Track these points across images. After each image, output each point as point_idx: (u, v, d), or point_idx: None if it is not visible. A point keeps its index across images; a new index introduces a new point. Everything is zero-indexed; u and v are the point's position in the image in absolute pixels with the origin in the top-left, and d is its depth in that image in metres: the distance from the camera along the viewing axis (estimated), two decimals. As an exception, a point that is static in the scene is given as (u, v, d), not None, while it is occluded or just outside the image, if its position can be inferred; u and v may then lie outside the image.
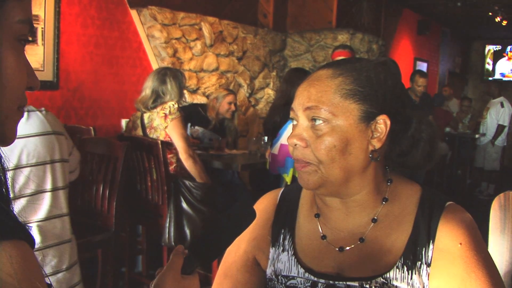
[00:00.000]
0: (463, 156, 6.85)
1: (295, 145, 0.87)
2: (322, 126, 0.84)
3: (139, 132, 2.95)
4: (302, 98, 0.87)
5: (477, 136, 6.83)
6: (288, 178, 2.61)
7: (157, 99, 2.87)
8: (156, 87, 2.87)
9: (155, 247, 3.08)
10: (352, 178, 0.86)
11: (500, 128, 6.70)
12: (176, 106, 2.82)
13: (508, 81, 9.91)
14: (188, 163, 2.80)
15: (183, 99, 2.95)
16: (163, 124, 2.82)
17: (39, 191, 1.62)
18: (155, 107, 2.87)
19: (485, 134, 6.81)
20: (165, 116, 2.81)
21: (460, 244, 0.84)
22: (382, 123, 0.85)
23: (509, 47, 10.09)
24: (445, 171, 6.69)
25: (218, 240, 0.76)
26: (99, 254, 2.66)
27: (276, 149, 2.67)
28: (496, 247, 1.14)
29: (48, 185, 1.65)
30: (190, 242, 2.63)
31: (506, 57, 10.20)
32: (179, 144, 2.81)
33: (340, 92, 0.84)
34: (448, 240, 0.85)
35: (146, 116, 2.90)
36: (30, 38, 0.58)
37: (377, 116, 0.85)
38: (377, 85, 0.86)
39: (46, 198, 1.63)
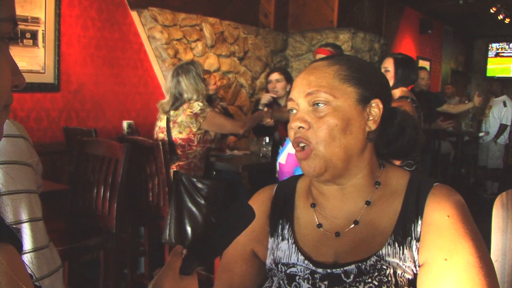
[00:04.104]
0: (466, 154, 6.82)
1: (299, 128, 0.91)
2: (324, 108, 0.90)
3: (163, 124, 3.01)
4: (301, 86, 0.93)
5: (480, 134, 6.79)
6: None
7: (175, 101, 2.96)
8: (173, 91, 2.97)
9: (157, 249, 3.08)
10: (351, 159, 0.91)
11: (502, 127, 6.67)
12: (202, 104, 2.91)
13: (510, 78, 9.84)
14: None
15: (204, 90, 3.01)
16: (194, 124, 2.89)
17: (11, 192, 1.55)
18: (179, 106, 2.95)
19: (489, 132, 6.78)
20: (196, 116, 2.89)
21: (448, 216, 0.85)
22: (376, 107, 0.93)
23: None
24: (449, 170, 6.66)
25: (216, 240, 0.76)
26: (101, 256, 2.66)
27: (283, 159, 2.61)
28: (498, 246, 1.12)
29: (23, 186, 1.55)
30: (189, 242, 2.62)
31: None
32: (229, 128, 2.98)
33: (338, 77, 0.92)
34: (436, 213, 0.86)
35: (172, 111, 2.99)
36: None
37: (372, 100, 0.92)
38: (368, 73, 0.95)
39: (18, 200, 1.56)
